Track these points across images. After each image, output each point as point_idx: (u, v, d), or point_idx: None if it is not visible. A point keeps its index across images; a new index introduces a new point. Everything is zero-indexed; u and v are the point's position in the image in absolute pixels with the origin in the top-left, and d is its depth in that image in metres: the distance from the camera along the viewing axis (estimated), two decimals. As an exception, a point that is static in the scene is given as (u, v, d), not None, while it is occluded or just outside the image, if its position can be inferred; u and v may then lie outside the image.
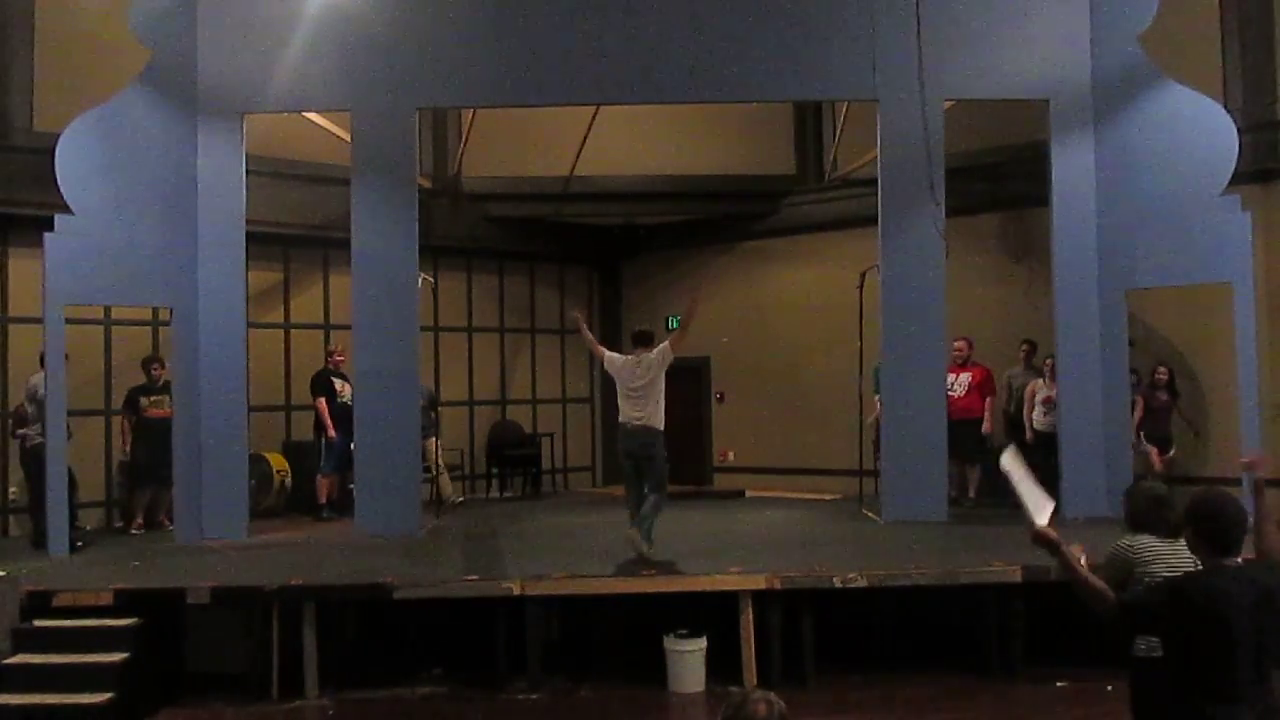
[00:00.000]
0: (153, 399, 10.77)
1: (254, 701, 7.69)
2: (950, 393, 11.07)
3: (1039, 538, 3.59)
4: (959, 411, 11.11)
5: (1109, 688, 7.26)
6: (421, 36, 10.54)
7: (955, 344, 11.45)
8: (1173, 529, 4.19)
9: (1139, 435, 10.76)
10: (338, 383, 11.74)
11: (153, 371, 10.87)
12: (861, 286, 11.37)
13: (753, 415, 14.41)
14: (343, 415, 11.28)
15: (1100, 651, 6.87)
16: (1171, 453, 10.95)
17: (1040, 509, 3.69)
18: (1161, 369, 10.97)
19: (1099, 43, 10.43)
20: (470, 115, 13.41)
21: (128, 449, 11.00)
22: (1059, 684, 7.65)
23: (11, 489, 11.04)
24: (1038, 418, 11.30)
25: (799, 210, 14.37)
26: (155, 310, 11.41)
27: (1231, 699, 3.21)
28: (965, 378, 11.66)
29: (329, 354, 12.03)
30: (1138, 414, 10.71)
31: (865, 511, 11.09)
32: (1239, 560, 3.37)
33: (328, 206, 12.02)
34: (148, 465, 10.68)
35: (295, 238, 12.73)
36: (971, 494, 11.63)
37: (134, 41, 10.13)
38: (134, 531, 10.80)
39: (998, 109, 11.60)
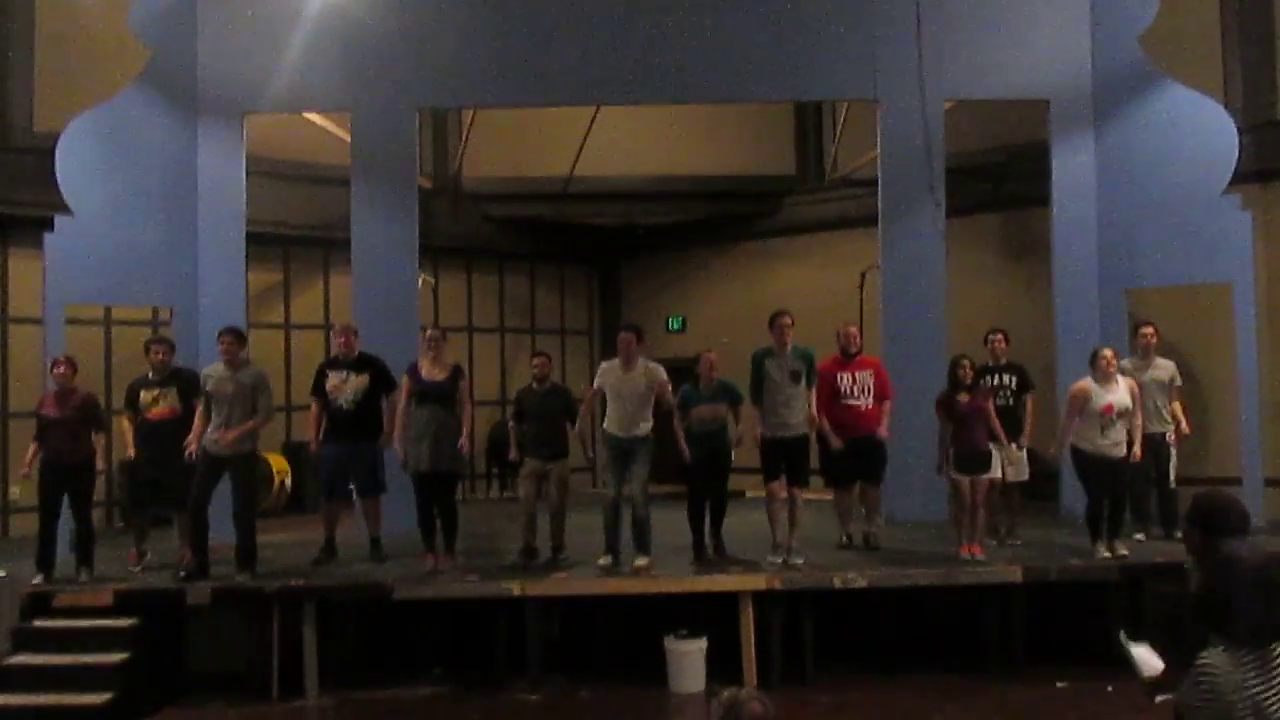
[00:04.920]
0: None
1: (254, 701, 7.70)
2: (853, 401, 8.65)
3: (1155, 688, 3.53)
4: (867, 424, 8.64)
5: (1109, 688, 7.27)
6: (421, 36, 10.53)
7: (848, 330, 8.88)
8: None
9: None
10: None
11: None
12: (861, 286, 11.37)
13: (753, 415, 14.33)
14: None
15: (1100, 651, 6.89)
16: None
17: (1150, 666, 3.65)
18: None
19: (1099, 43, 10.43)
20: (470, 115, 13.41)
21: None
22: (1059, 684, 7.64)
23: (12, 488, 11.03)
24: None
25: (799, 210, 14.38)
26: (155, 310, 11.42)
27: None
28: (866, 376, 8.73)
29: None
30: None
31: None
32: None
33: (328, 206, 12.02)
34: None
35: (295, 238, 12.75)
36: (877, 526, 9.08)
37: (134, 41, 10.15)
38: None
39: (998, 109, 11.59)
